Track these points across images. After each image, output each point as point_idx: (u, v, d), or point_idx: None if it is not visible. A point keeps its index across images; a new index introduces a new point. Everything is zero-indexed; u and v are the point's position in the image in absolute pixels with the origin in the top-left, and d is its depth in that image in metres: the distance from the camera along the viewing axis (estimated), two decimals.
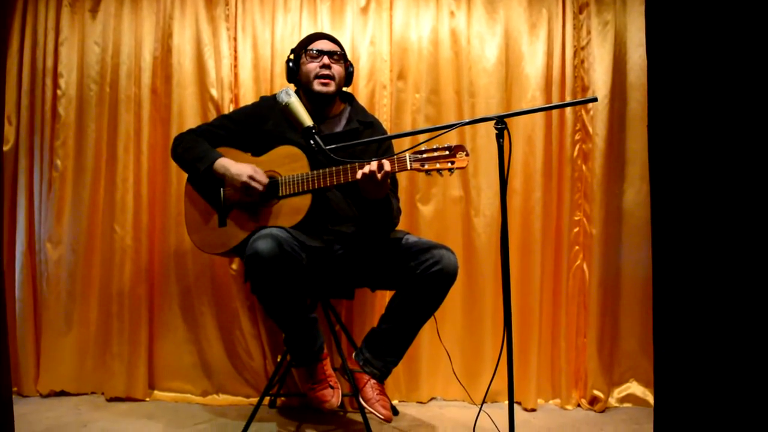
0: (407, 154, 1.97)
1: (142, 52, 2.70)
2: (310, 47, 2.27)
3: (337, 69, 2.27)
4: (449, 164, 1.94)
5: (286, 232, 1.97)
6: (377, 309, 2.62)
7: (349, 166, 2.01)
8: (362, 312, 2.65)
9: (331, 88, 2.25)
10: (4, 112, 2.63)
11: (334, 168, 2.03)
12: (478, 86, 2.71)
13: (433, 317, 2.25)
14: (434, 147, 1.95)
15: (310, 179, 2.07)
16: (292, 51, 2.34)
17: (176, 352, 2.71)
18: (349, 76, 2.34)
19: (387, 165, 1.96)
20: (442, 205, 2.70)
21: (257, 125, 2.26)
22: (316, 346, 2.13)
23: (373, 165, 1.96)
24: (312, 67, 2.25)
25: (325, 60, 2.24)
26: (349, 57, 2.43)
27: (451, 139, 2.66)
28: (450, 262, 2.07)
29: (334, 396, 2.12)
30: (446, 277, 2.07)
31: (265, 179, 2.12)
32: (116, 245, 2.66)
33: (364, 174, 1.96)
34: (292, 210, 2.10)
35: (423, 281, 2.06)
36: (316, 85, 2.24)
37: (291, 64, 2.31)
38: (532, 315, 2.65)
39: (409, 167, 1.97)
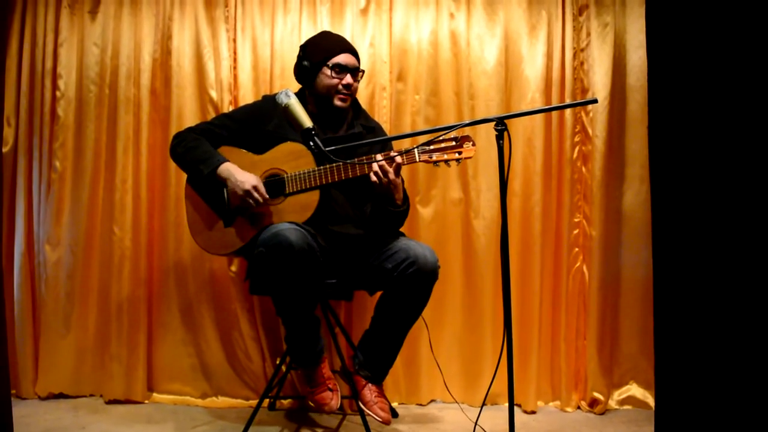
0: (415, 148, 2.00)
1: (141, 53, 2.70)
2: (335, 60, 2.20)
3: (355, 86, 2.26)
4: (456, 154, 1.96)
5: (301, 227, 1.98)
6: None
7: (356, 159, 2.02)
8: (361, 313, 2.64)
9: (348, 103, 2.25)
10: (3, 113, 2.62)
11: (341, 163, 2.03)
12: (478, 88, 2.71)
13: (426, 327, 2.26)
14: (441, 138, 1.97)
15: (317, 175, 2.07)
16: (304, 49, 2.27)
17: (175, 355, 2.70)
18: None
19: (397, 158, 1.98)
20: (441, 207, 2.70)
21: (259, 125, 2.25)
22: (318, 347, 2.14)
23: (380, 158, 1.97)
24: (334, 83, 2.20)
25: (349, 79, 2.20)
26: None
27: None
28: (426, 262, 2.04)
29: (333, 398, 2.12)
30: (424, 276, 2.05)
31: (266, 195, 2.10)
32: (115, 247, 2.65)
33: (376, 173, 1.98)
34: (300, 207, 2.09)
35: (401, 283, 2.05)
36: (336, 101, 2.22)
37: (306, 63, 2.23)
38: (531, 317, 2.65)
39: (417, 159, 1.99)
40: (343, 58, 2.22)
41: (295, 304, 2.04)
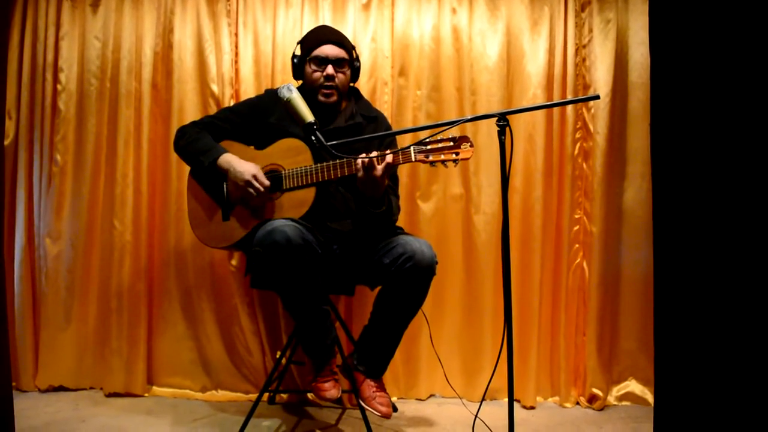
0: (411, 146, 1.96)
1: (142, 47, 2.69)
2: (315, 53, 2.20)
3: (341, 78, 2.22)
4: (453, 155, 1.92)
5: (297, 222, 1.97)
6: None
7: (353, 158, 2.00)
8: (362, 308, 2.65)
9: (333, 98, 2.22)
10: (4, 106, 2.62)
11: (337, 161, 2.02)
12: (480, 84, 2.70)
13: (426, 322, 2.27)
14: (438, 138, 1.93)
15: (313, 172, 2.06)
16: (299, 43, 2.29)
17: (175, 348, 2.71)
18: (355, 73, 2.31)
19: (388, 157, 1.95)
20: (442, 202, 2.70)
21: (261, 118, 2.25)
22: (329, 339, 2.13)
23: (373, 155, 1.94)
24: (316, 76, 2.20)
25: (330, 70, 2.18)
26: None
27: None
28: (423, 257, 2.01)
29: (334, 388, 2.13)
30: (421, 271, 2.02)
31: (266, 182, 2.10)
32: (116, 241, 2.65)
33: (363, 163, 1.94)
34: (297, 203, 2.09)
35: (399, 278, 2.03)
36: (320, 96, 2.21)
37: (296, 60, 2.27)
38: (531, 313, 2.65)
39: (413, 158, 1.95)
40: (322, 50, 2.19)
41: (298, 298, 2.04)
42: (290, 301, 2.06)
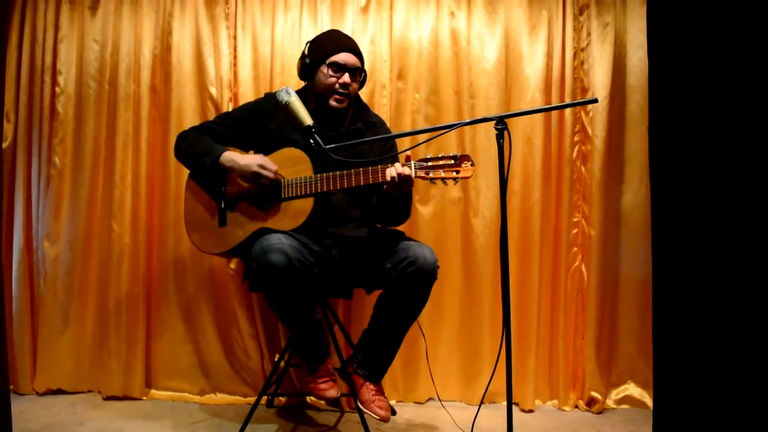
0: (412, 162, 1.96)
1: (141, 49, 2.69)
2: (333, 59, 2.18)
3: (354, 87, 2.22)
4: (454, 173, 1.92)
5: (294, 240, 1.98)
6: None
7: (353, 171, 2.00)
8: (361, 312, 2.64)
9: (345, 104, 2.22)
10: (2, 109, 2.62)
11: (337, 172, 2.02)
12: (478, 87, 2.70)
13: (422, 336, 2.29)
14: (440, 155, 1.94)
15: (313, 182, 2.06)
16: (309, 45, 2.26)
17: (173, 351, 2.71)
18: (363, 81, 2.30)
19: (390, 171, 1.95)
20: (441, 206, 2.70)
21: (261, 124, 2.24)
22: (323, 345, 2.15)
23: (399, 169, 1.93)
24: (331, 82, 2.18)
25: (346, 78, 2.18)
26: None
27: (450, 139, 2.66)
28: (425, 262, 2.02)
29: (333, 388, 2.14)
30: (423, 276, 2.02)
31: (274, 167, 2.11)
32: (114, 243, 2.65)
33: (392, 177, 1.94)
34: (295, 213, 2.09)
35: (400, 283, 2.03)
36: (332, 101, 2.19)
37: (307, 60, 2.22)
38: (530, 316, 2.65)
39: (413, 175, 1.96)
40: (341, 57, 2.19)
41: (293, 314, 2.05)
42: (285, 316, 2.08)
